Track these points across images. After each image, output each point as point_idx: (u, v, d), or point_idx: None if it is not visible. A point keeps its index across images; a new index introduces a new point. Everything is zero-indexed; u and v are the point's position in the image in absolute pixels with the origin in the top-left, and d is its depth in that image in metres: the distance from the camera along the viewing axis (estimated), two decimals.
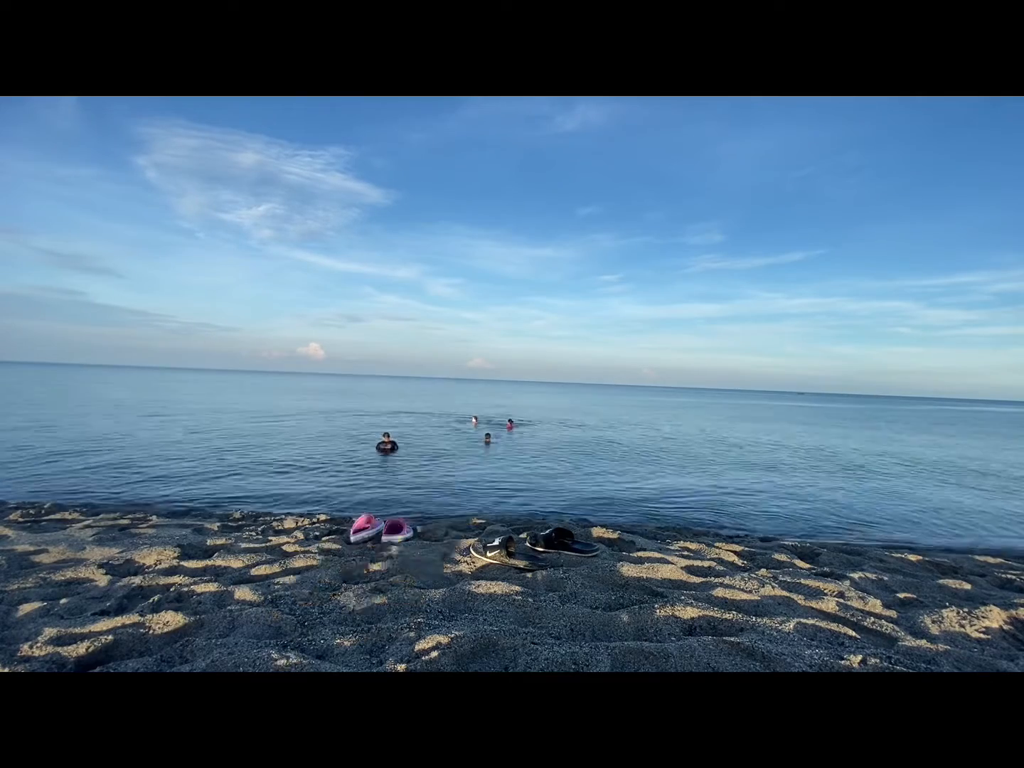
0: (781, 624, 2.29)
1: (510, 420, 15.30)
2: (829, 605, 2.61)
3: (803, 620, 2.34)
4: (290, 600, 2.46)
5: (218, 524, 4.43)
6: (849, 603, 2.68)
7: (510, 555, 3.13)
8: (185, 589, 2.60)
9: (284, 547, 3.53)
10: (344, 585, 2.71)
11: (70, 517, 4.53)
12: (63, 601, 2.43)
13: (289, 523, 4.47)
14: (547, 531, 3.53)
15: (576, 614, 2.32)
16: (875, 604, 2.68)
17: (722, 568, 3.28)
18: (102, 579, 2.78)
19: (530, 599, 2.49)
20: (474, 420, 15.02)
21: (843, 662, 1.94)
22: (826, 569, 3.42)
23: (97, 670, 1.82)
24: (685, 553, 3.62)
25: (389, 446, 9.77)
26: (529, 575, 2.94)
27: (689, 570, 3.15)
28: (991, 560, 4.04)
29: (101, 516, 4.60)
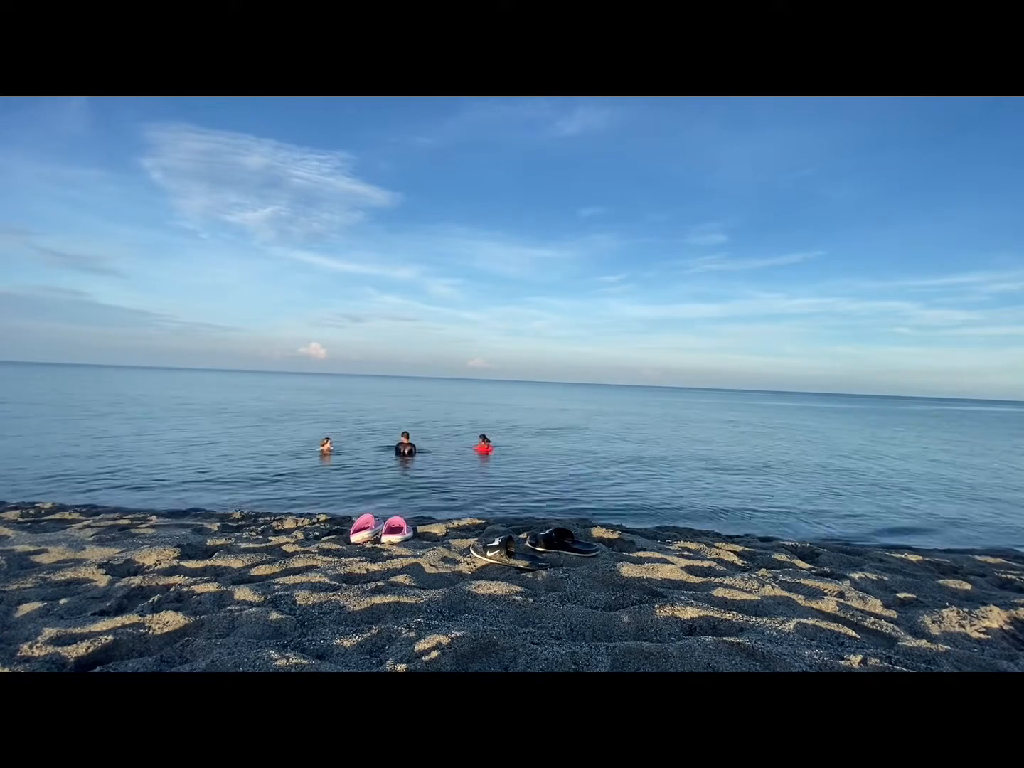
0: (781, 624, 2.29)
1: (484, 438, 10.29)
2: (829, 605, 2.61)
3: (803, 620, 2.34)
4: (290, 600, 2.46)
5: (218, 524, 4.43)
6: (849, 603, 2.68)
7: (510, 555, 3.13)
8: (185, 589, 2.60)
9: (284, 547, 3.53)
10: (344, 585, 2.71)
11: (70, 517, 4.53)
12: (63, 601, 2.43)
13: (289, 523, 4.47)
14: (547, 531, 3.53)
15: (576, 614, 2.32)
16: (875, 604, 2.68)
17: (722, 568, 3.28)
18: (102, 579, 2.78)
19: (530, 599, 2.49)
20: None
21: (843, 662, 1.94)
22: (826, 569, 3.42)
23: (97, 670, 1.82)
24: (685, 553, 3.62)
25: (408, 448, 9.36)
26: (529, 575, 2.93)
27: (689, 570, 3.15)
28: (991, 560, 4.03)
29: (101, 516, 4.60)
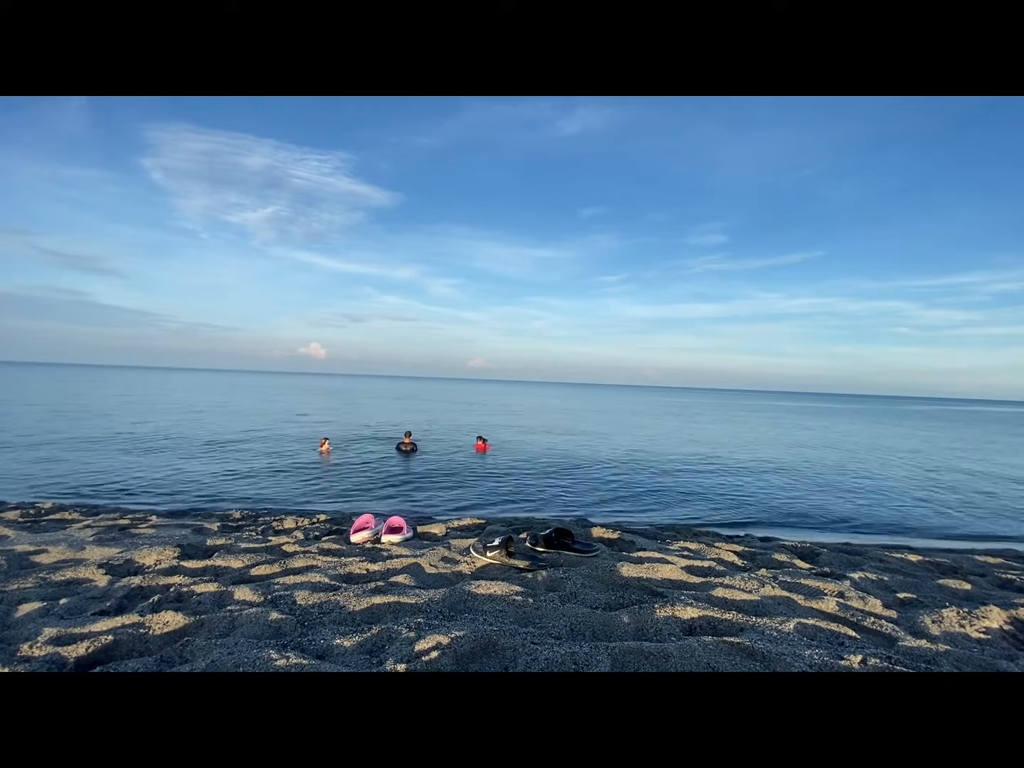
0: (781, 624, 2.29)
1: (481, 438, 10.50)
2: (829, 605, 2.61)
3: (803, 620, 2.34)
4: (290, 600, 2.46)
5: (218, 524, 4.43)
6: (849, 603, 2.68)
7: (510, 555, 3.13)
8: (185, 589, 2.60)
9: (284, 547, 3.53)
10: (344, 585, 2.71)
11: (70, 517, 4.53)
12: (63, 601, 2.43)
13: (289, 523, 4.47)
14: (547, 531, 3.53)
15: (576, 614, 2.32)
16: (875, 604, 2.68)
17: (722, 568, 3.28)
18: (102, 579, 2.78)
19: (530, 599, 2.49)
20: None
21: (843, 662, 1.94)
22: (826, 569, 3.42)
23: (97, 670, 1.82)
24: (685, 553, 3.62)
25: (409, 447, 9.55)
26: (529, 575, 2.93)
27: (689, 570, 3.15)
28: (991, 560, 4.03)
29: (101, 516, 4.60)
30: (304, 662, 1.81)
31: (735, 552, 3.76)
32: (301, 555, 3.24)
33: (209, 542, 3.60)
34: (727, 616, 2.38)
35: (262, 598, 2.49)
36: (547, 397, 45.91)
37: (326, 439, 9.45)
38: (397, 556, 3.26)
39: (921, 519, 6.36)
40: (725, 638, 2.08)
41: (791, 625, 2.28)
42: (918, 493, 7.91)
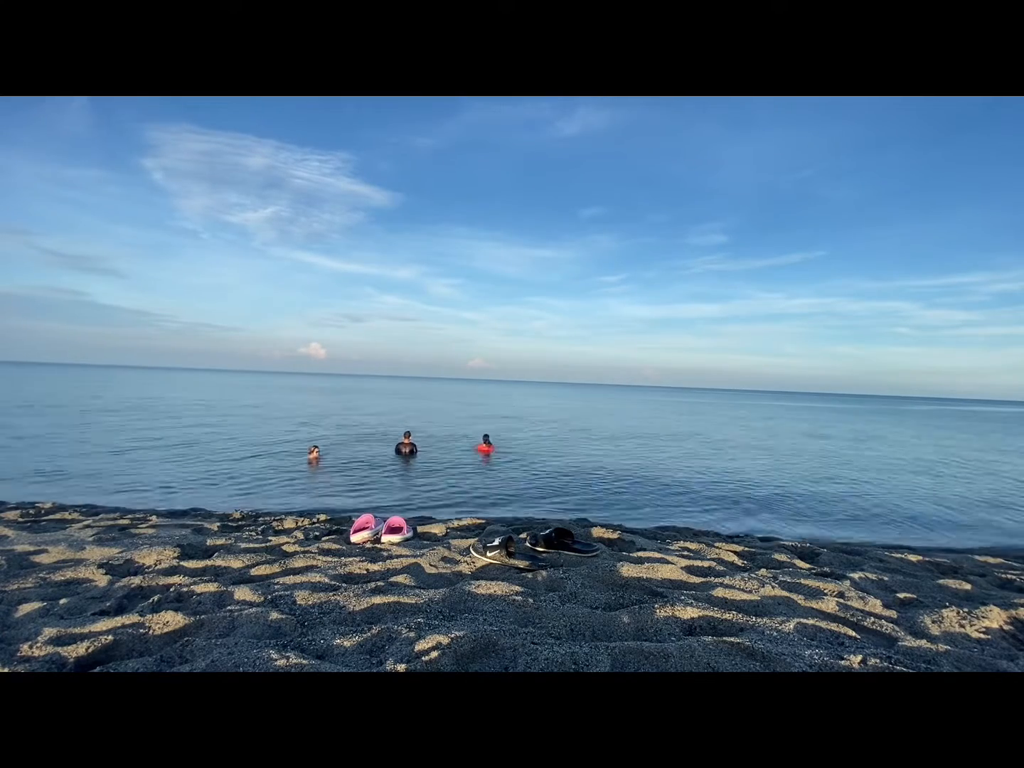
0: (781, 624, 2.29)
1: (485, 438, 10.31)
2: (829, 605, 2.61)
3: (803, 620, 2.34)
4: (290, 600, 2.46)
5: (218, 524, 4.43)
6: (849, 603, 2.68)
7: (510, 555, 3.13)
8: (185, 589, 2.60)
9: (284, 547, 3.53)
10: (344, 585, 2.71)
11: (70, 517, 4.53)
12: (63, 601, 2.43)
13: (289, 523, 4.47)
14: (547, 531, 3.53)
15: (576, 614, 2.32)
16: (875, 604, 2.68)
17: (722, 568, 3.28)
18: (102, 579, 2.78)
19: (530, 599, 2.49)
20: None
21: (843, 662, 1.94)
22: (826, 569, 3.42)
23: (97, 670, 1.82)
24: (685, 553, 3.62)
25: (409, 448, 9.40)
26: (529, 575, 2.93)
27: (689, 570, 3.15)
28: (991, 560, 4.03)
29: (101, 516, 4.60)
30: (304, 662, 1.81)
31: (735, 552, 3.76)
32: (301, 555, 3.24)
33: (209, 542, 3.60)
34: (727, 616, 2.38)
35: (262, 598, 2.49)
36: (547, 397, 45.93)
37: (315, 447, 9.00)
38: (397, 556, 3.26)
39: (921, 519, 6.35)
40: (725, 638, 2.08)
41: (791, 625, 2.28)
42: (918, 493, 7.91)
